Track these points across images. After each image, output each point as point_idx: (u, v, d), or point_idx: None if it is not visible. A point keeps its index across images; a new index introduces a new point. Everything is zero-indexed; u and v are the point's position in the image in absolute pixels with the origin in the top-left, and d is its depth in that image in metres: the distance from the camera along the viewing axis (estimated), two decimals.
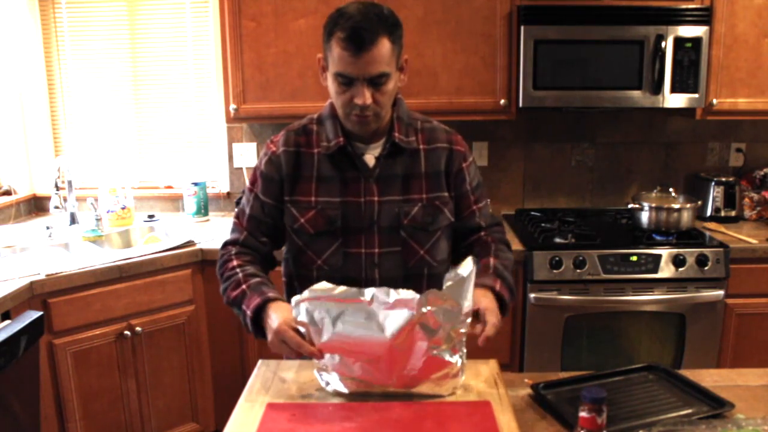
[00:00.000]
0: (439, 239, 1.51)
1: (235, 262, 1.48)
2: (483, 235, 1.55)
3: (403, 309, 1.18)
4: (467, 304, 1.21)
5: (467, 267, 1.20)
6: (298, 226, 1.48)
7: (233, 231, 1.56)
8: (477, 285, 1.32)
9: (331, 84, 1.39)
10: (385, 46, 1.32)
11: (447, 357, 1.23)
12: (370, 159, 1.47)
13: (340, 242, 1.47)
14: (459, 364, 1.25)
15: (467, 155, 1.54)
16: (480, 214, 1.55)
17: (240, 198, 1.59)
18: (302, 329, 1.26)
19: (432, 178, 1.49)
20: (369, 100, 1.34)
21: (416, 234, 1.47)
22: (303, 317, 1.23)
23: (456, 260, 1.49)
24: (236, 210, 1.59)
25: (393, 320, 1.19)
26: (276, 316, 1.31)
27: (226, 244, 1.55)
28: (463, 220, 1.54)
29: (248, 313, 1.37)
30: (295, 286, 1.56)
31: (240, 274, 1.44)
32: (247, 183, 1.56)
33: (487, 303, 1.33)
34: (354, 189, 1.46)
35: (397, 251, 1.47)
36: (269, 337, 1.31)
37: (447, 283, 1.18)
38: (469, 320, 1.23)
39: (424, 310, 1.17)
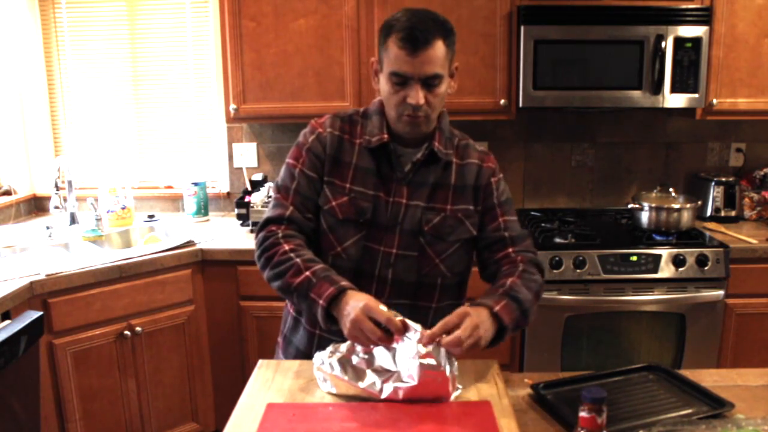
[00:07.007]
0: (457, 251, 1.51)
1: (286, 246, 1.41)
2: (511, 252, 1.52)
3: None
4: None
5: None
6: (329, 208, 1.47)
7: (276, 206, 1.48)
8: (477, 304, 1.33)
9: (384, 85, 1.42)
10: (440, 48, 1.36)
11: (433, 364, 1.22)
12: (406, 162, 1.49)
13: (363, 235, 1.47)
14: (447, 372, 1.22)
15: (497, 172, 1.57)
16: (506, 226, 1.54)
17: (276, 181, 1.53)
18: (383, 308, 1.27)
19: (459, 192, 1.50)
20: (422, 101, 1.37)
21: (435, 243, 1.48)
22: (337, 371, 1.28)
23: (488, 278, 1.53)
24: (276, 186, 1.53)
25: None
26: (354, 304, 1.28)
27: (268, 222, 1.47)
28: (490, 232, 1.53)
29: (320, 302, 1.32)
30: None
31: (298, 260, 1.38)
32: (288, 160, 1.52)
33: (475, 317, 1.28)
34: (386, 187, 1.48)
35: (413, 256, 1.47)
36: (347, 326, 1.28)
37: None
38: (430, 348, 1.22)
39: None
